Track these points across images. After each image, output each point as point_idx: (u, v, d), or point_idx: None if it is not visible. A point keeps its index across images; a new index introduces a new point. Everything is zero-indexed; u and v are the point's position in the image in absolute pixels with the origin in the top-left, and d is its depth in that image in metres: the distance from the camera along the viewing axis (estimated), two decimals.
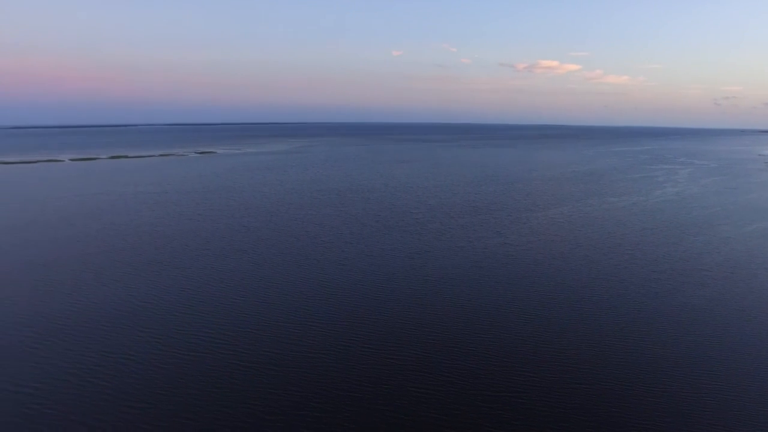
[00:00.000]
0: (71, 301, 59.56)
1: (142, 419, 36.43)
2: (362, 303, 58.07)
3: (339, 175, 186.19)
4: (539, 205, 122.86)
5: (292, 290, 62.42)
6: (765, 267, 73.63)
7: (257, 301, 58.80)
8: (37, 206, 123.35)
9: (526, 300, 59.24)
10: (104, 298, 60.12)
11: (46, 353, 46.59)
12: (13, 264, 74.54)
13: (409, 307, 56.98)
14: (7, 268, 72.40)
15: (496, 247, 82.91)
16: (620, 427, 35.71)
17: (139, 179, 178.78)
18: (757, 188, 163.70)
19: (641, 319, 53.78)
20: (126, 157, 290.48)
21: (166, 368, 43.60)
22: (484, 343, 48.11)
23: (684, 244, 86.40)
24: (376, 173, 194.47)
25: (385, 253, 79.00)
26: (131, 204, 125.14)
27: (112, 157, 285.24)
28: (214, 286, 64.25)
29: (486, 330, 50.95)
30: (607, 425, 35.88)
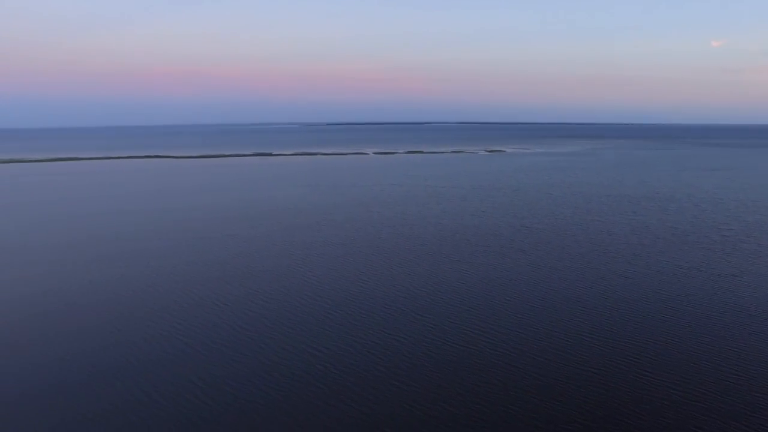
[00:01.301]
0: (362, 279, 65.51)
1: (405, 397, 37.61)
2: (648, 325, 51.35)
3: (632, 181, 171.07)
4: None
5: (568, 298, 58.51)
6: None
7: (531, 305, 56.55)
8: (341, 192, 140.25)
9: None
10: (387, 280, 64.63)
11: (336, 324, 51.77)
12: (315, 242, 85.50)
13: (704, 340, 48.38)
14: (311, 245, 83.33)
15: None
16: None
17: (430, 173, 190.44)
18: None
19: None
20: (421, 152, 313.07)
21: (435, 355, 44.46)
22: None
23: None
24: (678, 181, 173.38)
25: (680, 271, 69.07)
26: (420, 196, 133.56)
27: (409, 152, 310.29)
28: (489, 283, 63.98)
29: None
30: None
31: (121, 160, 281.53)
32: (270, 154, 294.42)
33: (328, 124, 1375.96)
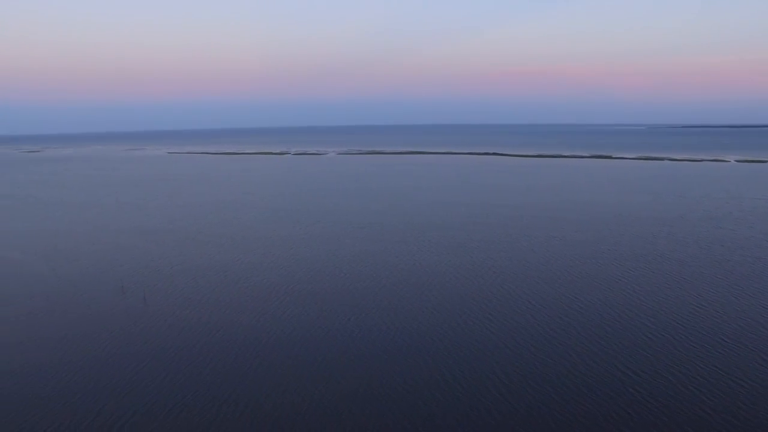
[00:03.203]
0: (701, 304, 56.79)
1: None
2: None
3: None
4: None
5: None
6: None
7: None
8: (686, 204, 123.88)
9: None
10: (734, 312, 54.37)
11: (659, 351, 45.81)
12: (647, 254, 77.12)
13: None
14: (642, 258, 75.49)
15: None
16: None
17: None
18: None
19: None
20: None
21: None
22: None
23: None
24: None
25: None
26: None
27: None
28: None
29: None
30: None
31: (460, 155, 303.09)
32: (609, 157, 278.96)
33: (680, 126, 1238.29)
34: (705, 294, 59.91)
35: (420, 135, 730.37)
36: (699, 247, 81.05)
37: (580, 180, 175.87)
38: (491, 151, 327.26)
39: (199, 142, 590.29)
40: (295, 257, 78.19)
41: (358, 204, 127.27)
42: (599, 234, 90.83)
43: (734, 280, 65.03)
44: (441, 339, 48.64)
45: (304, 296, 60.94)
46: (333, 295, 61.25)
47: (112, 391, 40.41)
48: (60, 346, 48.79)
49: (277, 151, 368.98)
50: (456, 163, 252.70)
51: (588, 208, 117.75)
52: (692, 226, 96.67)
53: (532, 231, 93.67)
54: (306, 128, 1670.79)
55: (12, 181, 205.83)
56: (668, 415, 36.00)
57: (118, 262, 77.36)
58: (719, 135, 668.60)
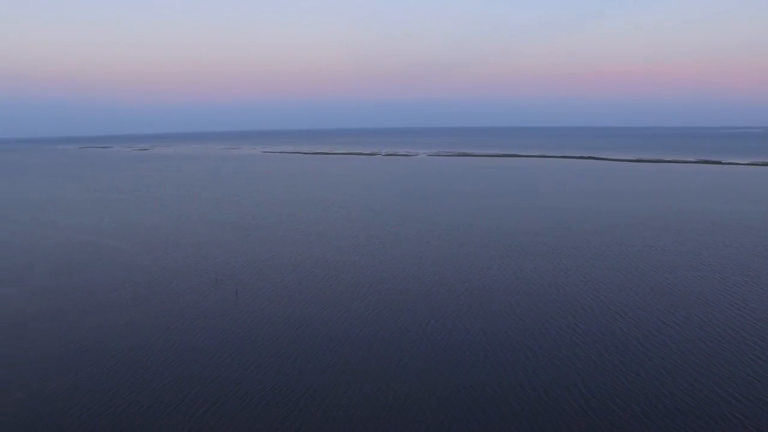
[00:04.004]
0: None
1: None
2: None
3: None
4: None
5: None
6: None
7: None
8: None
9: None
10: None
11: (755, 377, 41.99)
12: (760, 268, 71.04)
13: None
14: (752, 272, 69.68)
15: None
16: None
17: None
18: None
19: None
20: None
21: None
22: None
23: None
24: None
25: None
26: None
27: None
28: None
29: None
30: None
31: (555, 159, 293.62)
32: (718, 162, 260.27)
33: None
34: None
35: (513, 137, 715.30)
36: None
37: (683, 186, 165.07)
38: (587, 155, 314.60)
39: (291, 142, 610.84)
40: (381, 257, 78.82)
41: (446, 206, 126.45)
42: (702, 245, 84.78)
43: None
44: (522, 347, 47.25)
45: (387, 296, 61.26)
46: (416, 296, 61.16)
47: (200, 378, 42.45)
48: (157, 331, 51.97)
49: (368, 152, 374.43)
50: (550, 167, 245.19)
51: (690, 216, 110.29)
52: None
53: (628, 239, 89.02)
54: (397, 129, 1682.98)
55: (123, 176, 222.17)
56: None
57: (212, 255, 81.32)
58: None
